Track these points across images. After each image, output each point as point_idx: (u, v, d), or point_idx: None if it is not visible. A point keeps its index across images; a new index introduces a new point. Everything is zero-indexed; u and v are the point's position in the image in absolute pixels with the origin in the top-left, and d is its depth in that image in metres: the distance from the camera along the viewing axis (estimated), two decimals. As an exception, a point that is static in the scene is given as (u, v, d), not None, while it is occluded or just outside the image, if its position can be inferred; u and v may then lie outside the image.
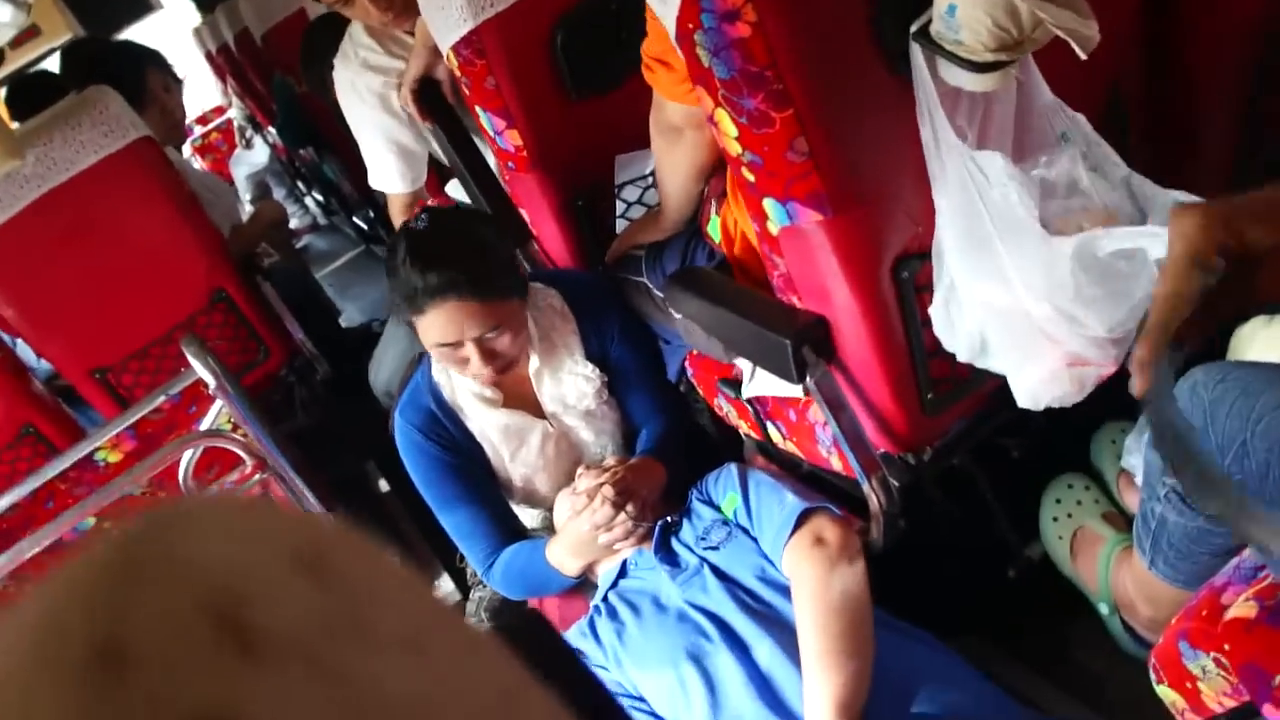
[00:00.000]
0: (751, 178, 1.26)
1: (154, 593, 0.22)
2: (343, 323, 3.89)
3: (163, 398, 1.98)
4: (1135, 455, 1.67)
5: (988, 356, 1.29)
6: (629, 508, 1.66)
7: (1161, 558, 1.32)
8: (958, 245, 1.22)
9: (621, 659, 1.54)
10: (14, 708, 0.20)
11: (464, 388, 1.83)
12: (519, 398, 1.86)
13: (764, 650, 1.42)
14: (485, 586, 2.29)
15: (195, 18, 5.33)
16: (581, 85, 1.86)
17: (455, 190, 2.46)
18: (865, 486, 1.53)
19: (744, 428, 1.83)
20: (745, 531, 1.63)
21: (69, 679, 0.21)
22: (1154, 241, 1.05)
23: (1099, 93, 1.39)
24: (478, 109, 1.89)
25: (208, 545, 0.24)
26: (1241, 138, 1.60)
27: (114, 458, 2.42)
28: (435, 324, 1.63)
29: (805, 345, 1.36)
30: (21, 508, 2.08)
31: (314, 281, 3.93)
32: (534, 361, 1.82)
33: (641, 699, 1.50)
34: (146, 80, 2.86)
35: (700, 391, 1.90)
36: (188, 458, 1.98)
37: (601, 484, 1.69)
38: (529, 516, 2.01)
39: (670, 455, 1.84)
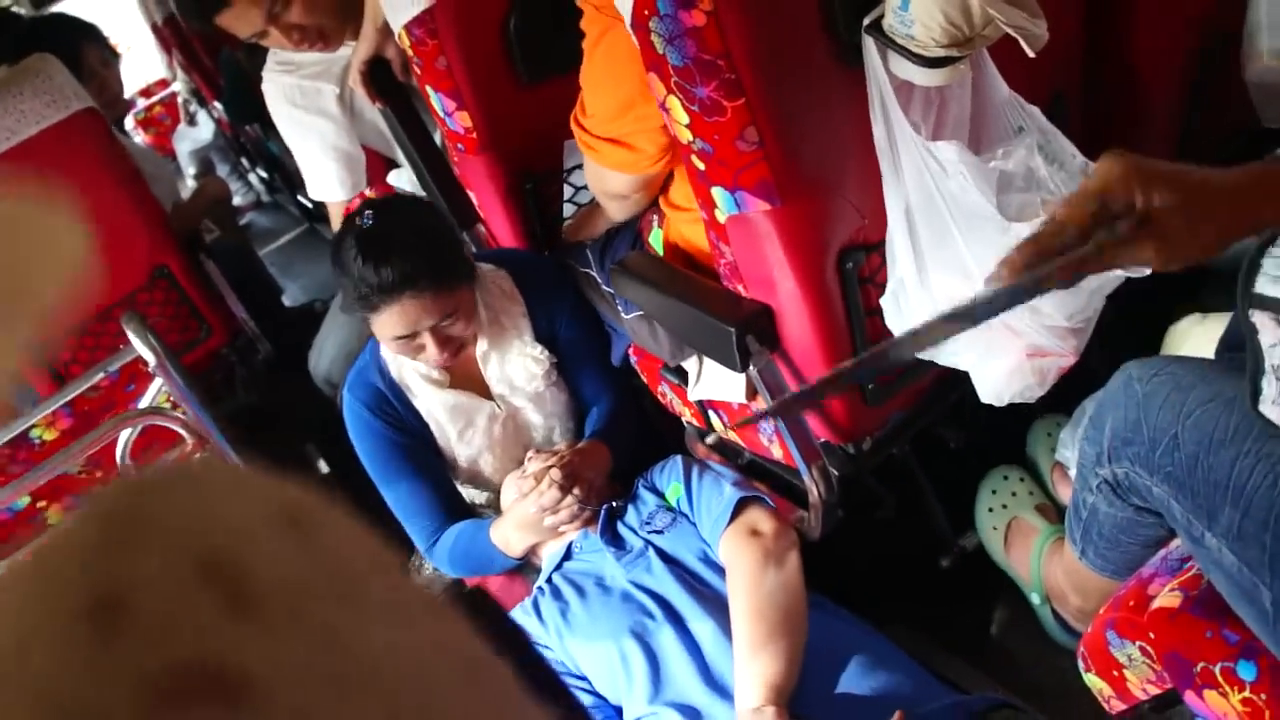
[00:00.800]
0: (701, 165, 1.27)
1: (152, 548, 0.23)
2: (285, 301, 3.84)
3: (101, 375, 1.95)
4: (1069, 448, 1.71)
5: (945, 352, 1.31)
6: (576, 491, 1.67)
7: (1092, 548, 1.35)
8: (913, 239, 1.24)
9: (565, 637, 1.55)
10: (12, 653, 0.21)
11: (410, 367, 1.82)
12: (466, 378, 1.85)
13: (706, 630, 1.44)
14: (420, 575, 2.28)
15: (141, -13, 5.22)
16: (534, 69, 1.85)
17: (397, 180, 2.43)
18: (805, 476, 1.55)
19: (686, 415, 1.84)
20: (687, 518, 1.66)
21: (67, 626, 0.21)
22: None
23: (1043, 90, 1.42)
24: (428, 89, 1.87)
25: (203, 504, 0.25)
26: (1186, 125, 1.64)
27: (50, 435, 2.37)
28: (390, 320, 1.63)
29: (749, 334, 1.36)
30: (-47, 486, 2.04)
31: (257, 259, 3.88)
32: (482, 343, 1.82)
33: (583, 677, 1.52)
34: (83, 55, 2.80)
35: (644, 379, 1.91)
36: (125, 436, 1.96)
37: (549, 467, 1.70)
38: (474, 496, 2.00)
39: (618, 436, 1.85)
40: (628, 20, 1.20)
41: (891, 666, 1.38)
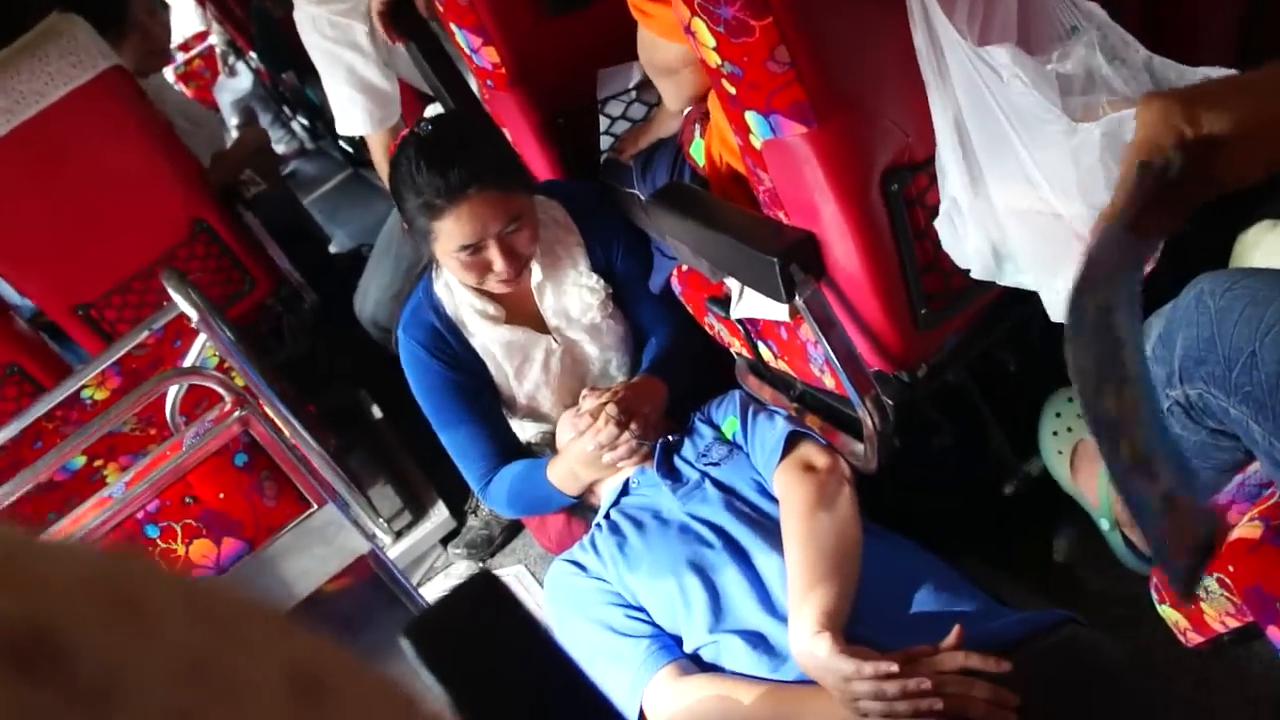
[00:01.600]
0: (732, 90, 1.21)
1: None
2: (332, 248, 3.83)
3: (146, 333, 1.95)
4: (1138, 367, 1.64)
5: (1007, 270, 1.23)
6: (632, 426, 1.67)
7: (1164, 473, 1.29)
8: (968, 152, 1.16)
9: (623, 571, 1.54)
10: None
11: (466, 303, 1.80)
12: (522, 314, 1.83)
13: (763, 557, 1.43)
14: (478, 516, 2.27)
15: (173, -60, 5.18)
16: (557, 0, 1.80)
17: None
18: (859, 407, 1.49)
19: (735, 346, 1.80)
20: (743, 451, 1.65)
21: None
22: None
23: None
24: (453, 26, 1.83)
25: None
26: (1241, 41, 1.54)
27: (101, 395, 2.39)
28: (458, 225, 1.60)
29: (793, 263, 1.31)
30: (9, 449, 2.06)
31: (302, 208, 3.87)
32: (536, 273, 1.79)
33: (642, 609, 1.51)
34: (129, 3, 2.76)
35: (690, 309, 1.86)
36: (174, 392, 1.95)
37: (605, 403, 1.70)
38: (531, 431, 1.99)
39: (675, 369, 1.83)
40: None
41: (954, 590, 1.35)
